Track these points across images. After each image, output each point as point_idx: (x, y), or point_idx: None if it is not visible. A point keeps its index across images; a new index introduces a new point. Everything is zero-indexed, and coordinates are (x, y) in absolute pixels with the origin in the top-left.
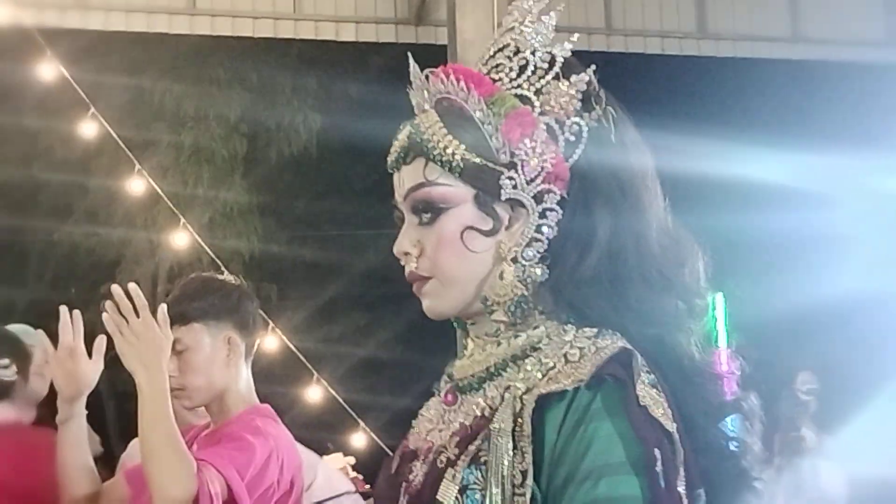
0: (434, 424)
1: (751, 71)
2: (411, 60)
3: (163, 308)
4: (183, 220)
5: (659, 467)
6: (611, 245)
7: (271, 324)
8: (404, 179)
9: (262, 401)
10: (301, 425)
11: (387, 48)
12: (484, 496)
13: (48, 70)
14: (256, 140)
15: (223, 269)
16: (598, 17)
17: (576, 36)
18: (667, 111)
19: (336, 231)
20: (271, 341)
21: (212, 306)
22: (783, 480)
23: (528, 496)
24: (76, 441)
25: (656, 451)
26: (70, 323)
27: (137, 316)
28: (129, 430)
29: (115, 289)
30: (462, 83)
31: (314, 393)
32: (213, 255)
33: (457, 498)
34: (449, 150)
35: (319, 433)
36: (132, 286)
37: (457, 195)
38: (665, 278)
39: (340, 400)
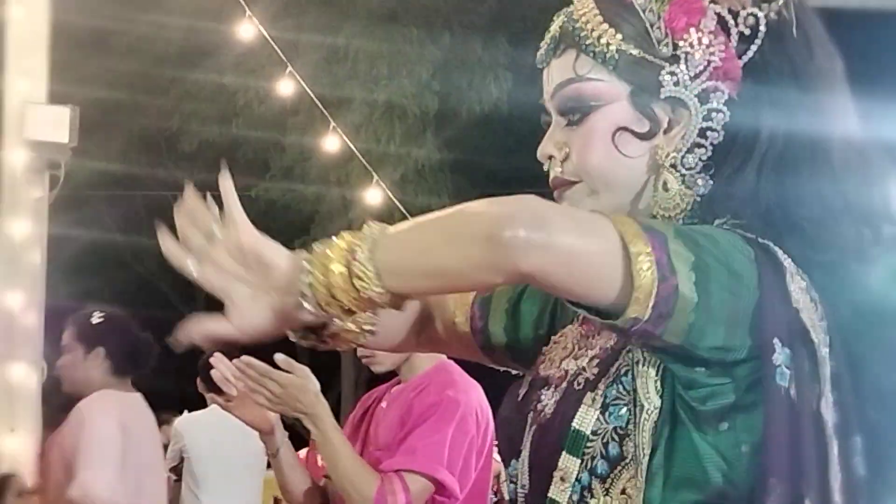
0: (570, 351)
1: None
2: None
3: (279, 356)
4: (376, 176)
5: (779, 360)
6: (780, 153)
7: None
8: (553, 75)
9: None
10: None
11: None
12: (629, 408)
13: (247, 29)
14: (448, 98)
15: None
16: None
17: None
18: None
19: (525, 189)
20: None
21: None
22: None
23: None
24: (291, 465)
25: (776, 341)
26: (229, 372)
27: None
28: None
29: (240, 362)
30: None
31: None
32: (404, 212)
33: (598, 418)
34: (603, 40)
35: None
36: (246, 359)
37: (610, 92)
38: (845, 199)
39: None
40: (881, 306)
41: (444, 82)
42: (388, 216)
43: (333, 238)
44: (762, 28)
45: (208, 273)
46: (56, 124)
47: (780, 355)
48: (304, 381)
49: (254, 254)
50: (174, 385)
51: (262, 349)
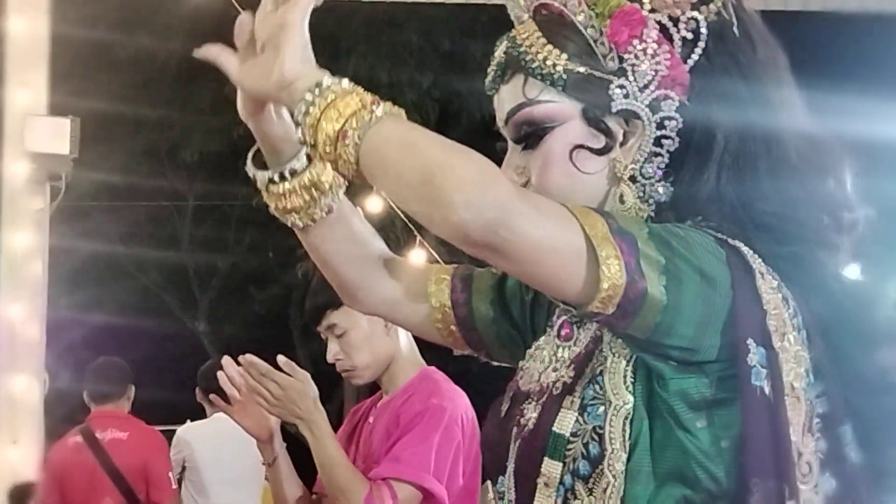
0: (547, 364)
1: None
2: None
3: (281, 358)
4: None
5: (753, 360)
6: (736, 151)
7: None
8: (504, 101)
9: None
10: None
11: None
12: (606, 408)
13: None
14: (448, 105)
15: (416, 232)
16: None
17: None
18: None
19: None
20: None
21: None
22: None
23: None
24: (286, 475)
25: (750, 342)
26: (237, 375)
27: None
28: None
29: (242, 361)
30: None
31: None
32: (405, 219)
33: (577, 419)
34: (549, 62)
35: None
36: (249, 358)
37: (562, 112)
38: (804, 189)
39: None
40: (851, 292)
41: (444, 90)
42: (389, 224)
43: (347, 86)
44: (703, 31)
45: (264, 19)
46: (57, 136)
47: (755, 355)
48: (304, 386)
49: (284, 35)
50: (173, 396)
51: (265, 353)
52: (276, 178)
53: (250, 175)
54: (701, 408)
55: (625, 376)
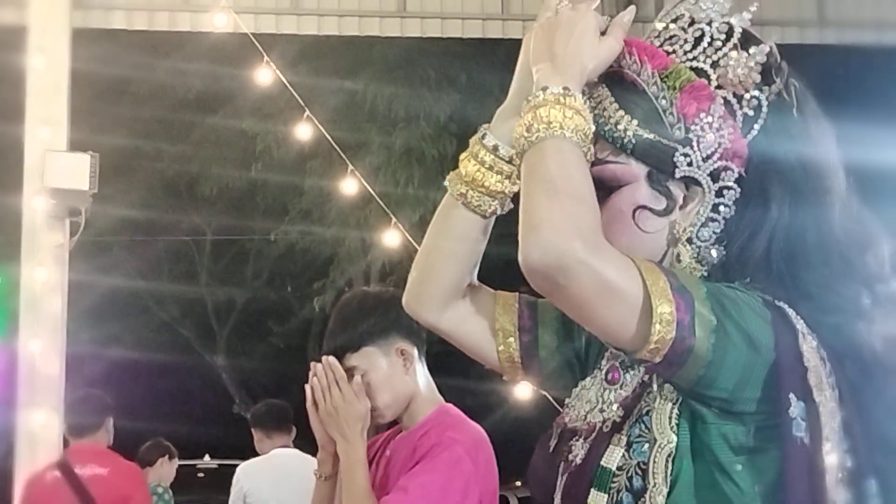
0: (595, 404)
1: None
2: None
3: (357, 379)
4: (394, 219)
5: (795, 413)
6: (788, 225)
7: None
8: None
9: None
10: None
11: None
12: (651, 445)
13: (265, 74)
14: (465, 139)
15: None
16: (811, 7)
17: (755, 5)
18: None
19: None
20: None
21: (376, 326)
22: None
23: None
24: (330, 496)
25: (791, 396)
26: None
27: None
28: None
29: (324, 361)
30: (635, 56)
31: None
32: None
33: (623, 455)
34: (621, 126)
35: None
36: (331, 360)
37: (628, 173)
38: (847, 263)
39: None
40: (881, 361)
41: (461, 124)
42: (408, 258)
43: (570, 101)
44: (764, 109)
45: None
46: (76, 171)
47: (796, 408)
48: (362, 409)
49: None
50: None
51: (283, 386)
52: (505, 154)
53: (488, 144)
54: (740, 453)
55: (670, 417)
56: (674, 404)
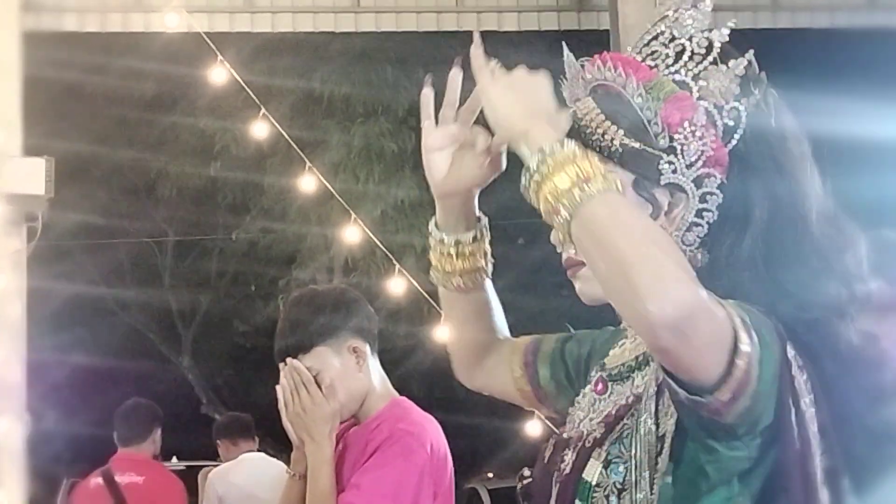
0: (586, 413)
1: None
2: (566, 50)
3: (326, 380)
4: (354, 215)
5: (792, 420)
6: (768, 227)
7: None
8: None
9: None
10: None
11: (548, 36)
12: (626, 467)
13: (220, 74)
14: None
15: (395, 262)
16: None
17: (732, 22)
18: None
19: (506, 220)
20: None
21: (326, 325)
22: None
23: (667, 455)
24: (299, 496)
25: (790, 402)
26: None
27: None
28: None
29: (289, 364)
30: (620, 69)
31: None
32: (385, 249)
33: (601, 472)
34: (607, 136)
35: None
36: (296, 363)
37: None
38: (825, 262)
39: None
40: (859, 357)
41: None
42: (370, 253)
43: (566, 154)
44: (743, 119)
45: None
46: (32, 176)
47: (793, 416)
48: (330, 412)
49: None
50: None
51: (250, 385)
52: (468, 238)
53: (436, 238)
54: (733, 476)
55: (653, 441)
56: (657, 428)
